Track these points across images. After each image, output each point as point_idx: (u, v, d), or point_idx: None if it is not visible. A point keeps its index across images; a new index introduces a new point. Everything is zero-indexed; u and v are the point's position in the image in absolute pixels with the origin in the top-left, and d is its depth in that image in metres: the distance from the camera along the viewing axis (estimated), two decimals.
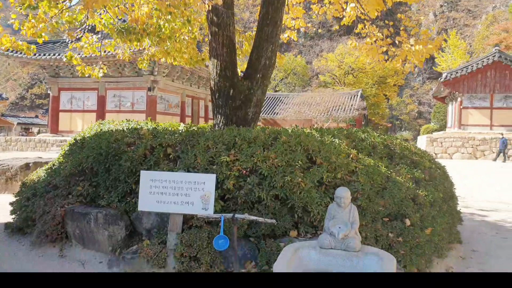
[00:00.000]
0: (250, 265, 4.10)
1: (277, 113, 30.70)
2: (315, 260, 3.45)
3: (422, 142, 22.94)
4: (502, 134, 20.43)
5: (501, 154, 19.40)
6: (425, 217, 4.52)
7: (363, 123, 31.13)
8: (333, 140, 4.95)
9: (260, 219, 3.57)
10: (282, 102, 31.68)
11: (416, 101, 43.40)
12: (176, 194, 4.07)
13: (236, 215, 3.56)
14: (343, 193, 3.55)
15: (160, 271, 4.09)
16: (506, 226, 7.30)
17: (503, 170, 15.78)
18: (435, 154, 21.83)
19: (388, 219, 4.43)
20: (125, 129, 5.36)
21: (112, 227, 4.58)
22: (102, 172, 4.84)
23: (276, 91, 40.79)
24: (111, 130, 5.53)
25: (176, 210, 4.05)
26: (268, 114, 30.87)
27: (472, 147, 21.02)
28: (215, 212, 4.13)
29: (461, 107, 23.72)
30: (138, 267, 4.20)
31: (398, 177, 4.83)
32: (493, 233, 6.79)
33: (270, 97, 32.12)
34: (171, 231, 4.10)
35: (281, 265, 3.09)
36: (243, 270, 4.04)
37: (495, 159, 19.58)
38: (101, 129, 5.82)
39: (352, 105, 29.69)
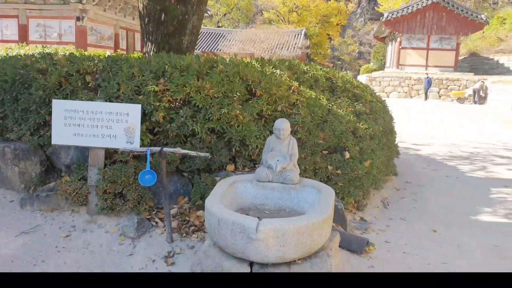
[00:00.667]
0: (183, 200, 3.82)
1: (220, 49, 29.60)
2: (251, 193, 3.23)
3: (361, 81, 23.35)
4: (427, 74, 21.33)
5: (426, 93, 20.41)
6: (365, 150, 4.45)
7: (306, 61, 30.98)
8: (274, 71, 4.60)
9: (192, 153, 3.23)
10: (225, 39, 30.40)
11: (358, 41, 43.75)
12: (95, 126, 3.58)
13: (165, 149, 3.19)
14: (282, 125, 3.28)
15: (81, 209, 3.71)
16: (437, 159, 7.63)
17: (432, 107, 16.57)
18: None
19: (327, 152, 4.29)
20: (36, 54, 4.62)
21: (23, 162, 4.05)
22: (9, 102, 4.18)
23: (219, 26, 39.05)
24: (19, 55, 4.75)
25: (96, 143, 3.59)
26: (210, 49, 29.67)
27: (408, 86, 21.78)
28: (143, 146, 3.73)
29: (400, 47, 24.20)
30: (55, 205, 3.78)
31: (339, 110, 4.66)
32: (425, 165, 7.06)
33: (212, 32, 30.67)
34: (92, 167, 3.66)
35: (214, 199, 2.82)
36: (175, 206, 3.76)
37: (425, 99, 20.50)
38: (7, 54, 5.00)
39: (296, 43, 29.24)
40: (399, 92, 21.88)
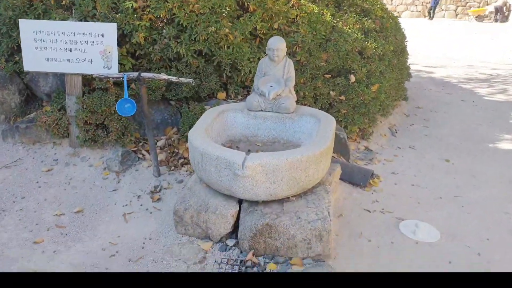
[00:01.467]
0: (171, 131, 3.52)
1: None
2: (241, 124, 2.89)
3: None
4: None
5: (431, 11, 18.96)
6: (372, 73, 4.00)
7: None
8: None
9: (174, 78, 2.85)
10: None
11: None
12: (69, 49, 3.17)
13: (143, 74, 2.80)
14: (277, 44, 2.84)
15: (63, 141, 3.44)
16: (452, 82, 7.12)
17: (447, 27, 15.50)
18: None
19: (330, 75, 3.86)
20: None
21: (0, 92, 3.73)
22: None
23: None
24: None
25: (71, 69, 3.21)
26: None
27: (422, 5, 20.27)
28: (124, 72, 3.34)
29: None
30: (36, 137, 3.51)
31: (345, 27, 4.13)
32: (438, 89, 6.59)
33: None
34: (69, 95, 3.32)
35: (198, 131, 2.49)
36: (162, 137, 3.46)
37: (430, 18, 19.11)
38: None
39: None
40: (412, 12, 20.43)
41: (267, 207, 2.34)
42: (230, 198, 2.40)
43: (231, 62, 3.49)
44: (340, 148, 3.47)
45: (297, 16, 3.93)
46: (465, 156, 3.81)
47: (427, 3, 20.29)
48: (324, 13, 4.13)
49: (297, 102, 3.51)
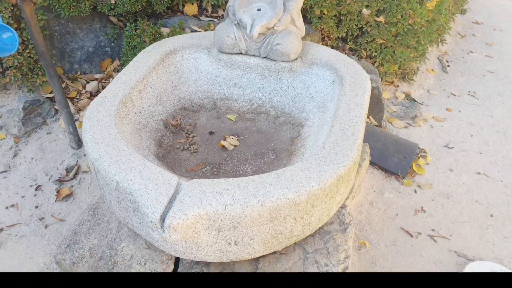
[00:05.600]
0: (111, 65, 2.30)
1: None
2: (206, 74, 1.69)
3: None
4: None
5: None
6: None
7: None
8: None
9: None
10: None
11: None
12: None
13: None
14: None
15: None
16: None
17: None
18: None
19: None
20: None
21: None
22: None
23: None
24: None
25: None
26: None
27: None
28: None
29: None
30: None
31: None
32: None
33: None
34: None
35: (104, 106, 1.32)
36: (96, 76, 2.27)
37: None
38: None
39: None
40: None
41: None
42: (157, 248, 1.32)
43: None
44: (371, 102, 2.26)
45: None
46: None
47: None
48: None
49: (306, 29, 2.24)
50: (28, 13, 1.60)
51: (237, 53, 1.63)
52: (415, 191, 1.89)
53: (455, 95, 2.71)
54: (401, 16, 2.37)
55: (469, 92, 2.75)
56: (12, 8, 2.01)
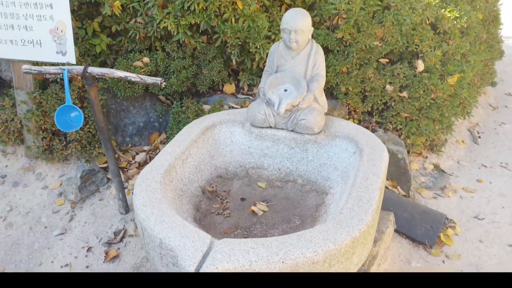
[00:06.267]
0: (158, 138, 2.57)
1: None
2: (240, 145, 1.89)
3: None
4: None
5: None
6: (451, 56, 2.75)
7: None
8: None
9: (132, 76, 1.83)
10: None
11: None
12: (11, 26, 2.28)
13: (91, 69, 1.84)
14: (296, 22, 1.76)
15: (19, 149, 2.62)
16: None
17: None
18: None
19: (387, 60, 2.68)
20: None
21: None
22: None
23: None
24: None
25: (14, 54, 2.33)
26: None
27: None
28: (96, 56, 2.43)
29: None
30: None
31: None
32: None
33: None
34: (17, 89, 2.48)
35: (152, 174, 1.52)
36: (145, 148, 2.54)
37: None
38: None
39: None
40: None
41: None
42: None
43: (241, 42, 2.43)
44: (397, 173, 2.37)
45: None
46: None
47: None
48: None
49: (333, 104, 2.44)
50: (93, 95, 1.91)
51: (267, 127, 1.83)
52: (443, 261, 1.91)
53: (486, 167, 2.74)
54: (423, 91, 2.53)
55: (501, 163, 2.78)
56: (78, 89, 2.37)
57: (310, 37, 1.87)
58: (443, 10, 2.84)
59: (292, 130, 1.81)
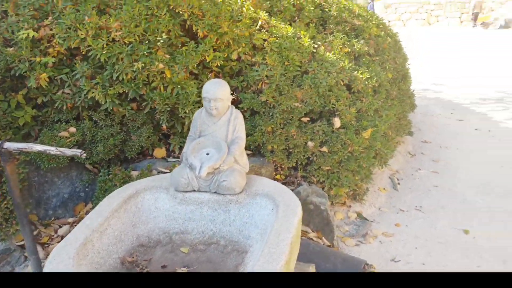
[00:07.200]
0: (83, 209, 2.55)
1: None
2: (165, 212, 1.94)
3: (377, 9, 20.99)
4: None
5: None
6: (365, 112, 3.05)
7: None
8: None
9: (51, 149, 1.87)
10: None
11: None
12: None
13: (7, 144, 1.85)
14: (215, 91, 1.91)
15: None
16: (463, 103, 6.16)
17: (453, 35, 14.54)
18: (389, 21, 20.16)
19: (308, 119, 2.92)
20: None
21: None
22: None
23: None
24: None
25: None
26: None
27: (427, 12, 19.39)
28: (18, 128, 2.42)
29: None
30: None
31: (328, 54, 3.20)
32: (448, 113, 5.64)
33: None
34: None
35: (62, 255, 1.53)
36: (69, 220, 2.51)
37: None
38: None
39: None
40: (416, 20, 19.55)
41: None
42: None
43: (170, 108, 2.56)
44: (321, 224, 2.51)
45: (264, 41, 3.02)
46: (487, 222, 2.83)
47: (431, 10, 19.42)
48: (302, 36, 3.20)
49: (261, 162, 2.58)
50: (9, 170, 1.90)
51: (191, 191, 1.91)
52: None
53: (404, 211, 2.98)
54: (341, 145, 2.76)
55: (416, 206, 3.04)
56: None
57: (230, 103, 2.03)
58: (356, 72, 3.17)
59: (215, 192, 1.90)
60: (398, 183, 3.42)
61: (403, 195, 3.24)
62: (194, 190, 1.92)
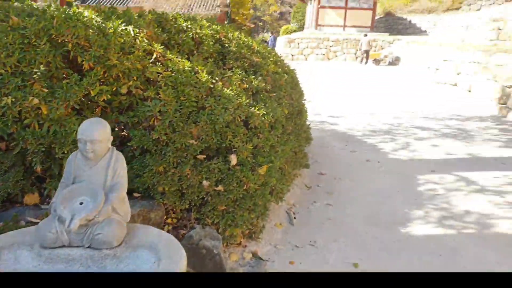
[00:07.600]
0: None
1: (131, 0, 26.22)
2: (30, 270, 1.69)
3: (281, 44, 22.12)
4: (271, 33, 21.28)
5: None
6: (261, 148, 3.07)
7: (226, 22, 28.87)
8: (123, 28, 2.95)
9: None
10: None
11: (279, 1, 42.40)
12: None
13: None
14: (92, 133, 1.76)
15: None
16: (356, 135, 6.61)
17: (349, 70, 15.88)
18: (292, 55, 21.37)
19: (204, 156, 2.85)
20: None
21: None
22: None
23: None
24: None
25: None
26: (119, 3, 26.18)
27: (326, 48, 20.94)
28: None
29: (319, 6, 23.14)
30: None
31: (226, 89, 3.19)
32: (342, 145, 6.00)
33: None
34: None
35: None
36: None
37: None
38: None
39: (214, 1, 26.92)
40: (317, 55, 20.98)
41: None
42: None
43: (45, 148, 2.30)
44: (214, 269, 2.41)
45: (159, 75, 2.91)
46: (375, 253, 2.98)
47: (330, 46, 21.00)
48: (199, 71, 3.16)
49: (150, 205, 2.42)
50: None
51: (59, 246, 1.69)
52: None
53: (298, 247, 3.01)
54: (237, 183, 2.72)
55: (310, 242, 3.09)
56: None
57: (110, 145, 1.87)
58: (253, 108, 3.20)
59: (89, 247, 1.71)
60: (295, 217, 3.47)
61: (299, 229, 3.29)
62: (64, 246, 1.70)
